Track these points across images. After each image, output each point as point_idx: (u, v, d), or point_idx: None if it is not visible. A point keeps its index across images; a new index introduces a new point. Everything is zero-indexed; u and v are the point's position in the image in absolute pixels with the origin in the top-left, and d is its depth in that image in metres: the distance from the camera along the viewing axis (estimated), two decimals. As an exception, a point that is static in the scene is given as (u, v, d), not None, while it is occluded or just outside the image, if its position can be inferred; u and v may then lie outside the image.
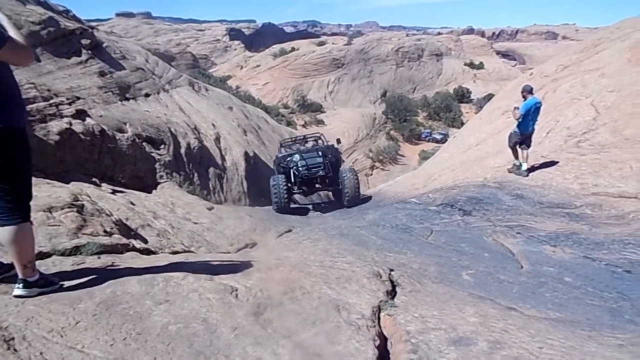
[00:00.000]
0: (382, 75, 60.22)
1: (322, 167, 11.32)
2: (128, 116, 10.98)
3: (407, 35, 75.90)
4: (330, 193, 13.53)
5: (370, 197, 12.36)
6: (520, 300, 4.18)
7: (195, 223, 7.29)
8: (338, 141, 13.55)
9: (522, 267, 5.14)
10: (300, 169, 11.25)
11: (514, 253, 5.53)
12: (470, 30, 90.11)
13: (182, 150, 11.91)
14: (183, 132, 12.53)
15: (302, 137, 15.05)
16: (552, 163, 9.09)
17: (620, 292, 4.54)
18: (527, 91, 8.93)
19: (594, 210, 7.12)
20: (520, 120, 8.83)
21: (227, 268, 3.59)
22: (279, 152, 13.66)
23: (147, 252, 4.50)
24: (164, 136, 11.41)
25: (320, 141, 14.51)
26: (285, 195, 10.57)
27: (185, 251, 5.41)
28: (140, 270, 3.10)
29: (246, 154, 15.13)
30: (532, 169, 8.95)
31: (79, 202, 4.68)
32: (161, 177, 10.24)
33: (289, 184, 11.16)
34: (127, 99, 12.32)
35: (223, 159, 14.05)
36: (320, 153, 11.70)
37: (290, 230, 7.97)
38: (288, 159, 11.85)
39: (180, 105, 14.83)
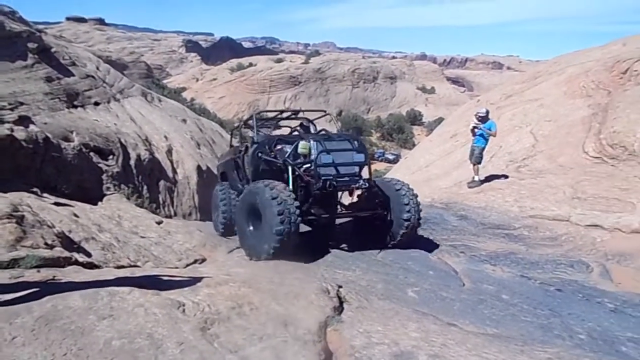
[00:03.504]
0: (338, 94, 61.36)
1: (357, 174, 6.25)
2: (75, 124, 10.59)
3: (364, 57, 77.97)
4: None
5: None
6: (460, 316, 4.39)
7: (143, 237, 7.10)
8: (358, 131, 8.76)
9: (464, 284, 5.38)
10: (321, 170, 5.92)
11: (457, 271, 5.78)
12: (423, 56, 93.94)
13: (132, 162, 11.58)
14: (133, 143, 12.21)
15: (294, 111, 8.42)
16: (494, 186, 9.62)
17: (552, 309, 4.85)
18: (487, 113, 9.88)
19: (530, 231, 7.58)
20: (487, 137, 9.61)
21: (175, 283, 3.55)
22: (250, 135, 7.84)
23: (91, 266, 4.36)
24: (112, 146, 11.07)
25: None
26: (297, 220, 5.44)
27: (131, 266, 5.27)
28: (83, 284, 3.02)
29: (199, 167, 14.91)
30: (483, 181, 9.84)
31: (19, 213, 4.48)
32: (108, 188, 9.90)
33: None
34: (75, 107, 11.89)
35: (174, 171, 13.77)
36: (356, 144, 6.40)
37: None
38: (282, 147, 6.46)
39: (131, 116, 14.46)
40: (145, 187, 11.59)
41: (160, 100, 18.87)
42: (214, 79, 62.35)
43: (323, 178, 5.89)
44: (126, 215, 8.16)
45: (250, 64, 66.32)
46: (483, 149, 9.65)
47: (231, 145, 8.87)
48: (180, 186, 13.60)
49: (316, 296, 3.68)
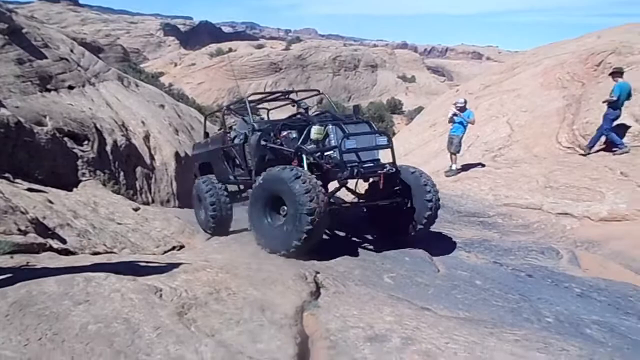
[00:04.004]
0: (319, 82, 61.06)
1: (378, 159, 5.82)
2: (48, 109, 10.32)
3: (345, 45, 77.64)
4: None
5: None
6: (434, 301, 4.51)
7: (120, 224, 7.03)
8: (356, 110, 6.82)
9: (438, 271, 5.51)
10: (346, 157, 5.41)
11: (432, 258, 5.91)
12: (404, 45, 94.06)
13: (108, 148, 11.37)
14: (109, 129, 11.97)
15: (286, 92, 7.80)
16: (471, 175, 9.81)
17: (522, 294, 5.03)
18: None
19: (504, 219, 7.79)
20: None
21: (152, 269, 3.55)
22: (238, 117, 7.35)
23: (66, 252, 4.32)
24: (88, 132, 10.84)
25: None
26: (326, 199, 5.06)
27: (107, 252, 5.23)
28: (59, 270, 3.00)
29: (177, 154, 14.72)
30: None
31: (-10, 198, 4.38)
32: (83, 174, 9.72)
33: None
34: (48, 91, 11.56)
35: (152, 158, 13.57)
36: (374, 128, 6.05)
37: (219, 233, 7.91)
38: (288, 134, 5.94)
39: (107, 100, 14.14)
40: (121, 174, 11.41)
41: (137, 85, 18.48)
42: (193, 64, 61.24)
43: (349, 165, 5.37)
44: (102, 202, 8.05)
45: (230, 49, 65.31)
46: (461, 137, 9.81)
47: (206, 133, 8.41)
48: (158, 173, 13.42)
49: (293, 282, 3.73)
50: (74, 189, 8.70)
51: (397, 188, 5.86)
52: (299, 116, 6.86)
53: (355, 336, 2.84)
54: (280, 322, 2.78)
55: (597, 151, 9.10)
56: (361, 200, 6.37)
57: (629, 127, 9.10)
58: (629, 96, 8.78)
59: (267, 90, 53.92)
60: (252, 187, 5.86)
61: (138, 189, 12.00)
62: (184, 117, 19.68)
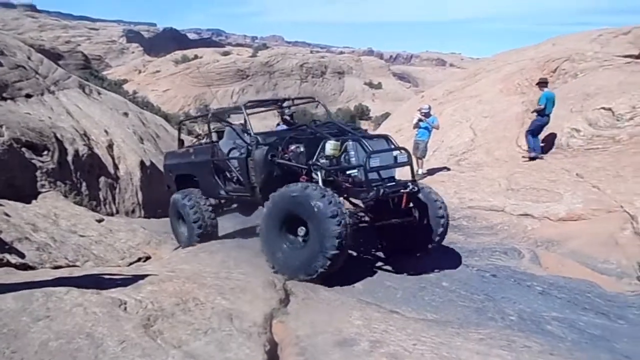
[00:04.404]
0: (287, 89, 61.13)
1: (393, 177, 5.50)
2: (5, 118, 9.91)
3: (312, 51, 78.09)
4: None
5: None
6: (403, 303, 4.59)
7: (82, 236, 6.81)
8: (353, 120, 6.76)
9: (407, 274, 5.60)
10: (371, 177, 5.12)
11: (401, 261, 6.00)
12: (370, 52, 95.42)
13: (69, 158, 11.00)
14: (70, 138, 11.59)
15: (282, 100, 7.52)
16: (436, 179, 10.02)
17: (487, 294, 5.17)
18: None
19: (469, 222, 7.99)
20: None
21: (116, 282, 3.47)
22: (236, 130, 6.56)
23: (25, 267, 4.16)
24: (47, 142, 10.46)
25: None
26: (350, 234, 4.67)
27: (69, 266, 5.07)
28: (17, 285, 2.89)
29: (142, 163, 14.38)
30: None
31: (-59, 213, 4.18)
32: (43, 186, 9.36)
33: None
34: (4, 99, 11.11)
35: (116, 167, 13.21)
36: (394, 143, 5.68)
37: (187, 243, 7.78)
38: (296, 148, 5.51)
39: (67, 109, 13.70)
40: (84, 184, 11.05)
41: (99, 93, 17.99)
42: (158, 71, 60.13)
43: (374, 185, 5.00)
44: (63, 214, 7.78)
45: (196, 56, 64.52)
46: (427, 142, 10.03)
47: (180, 140, 8.05)
48: (123, 182, 13.07)
49: (262, 290, 3.72)
50: (33, 201, 8.37)
51: (412, 205, 5.50)
52: (304, 128, 6.28)
53: (324, 341, 2.86)
54: (249, 331, 2.77)
55: (546, 152, 9.63)
56: (377, 219, 5.64)
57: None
58: (553, 104, 9.52)
59: (234, 97, 53.48)
60: (240, 202, 5.91)
61: (102, 199, 11.66)
62: (149, 125, 19.29)
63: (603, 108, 9.49)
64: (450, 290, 5.14)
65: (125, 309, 2.79)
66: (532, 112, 9.75)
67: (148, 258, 6.58)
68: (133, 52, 79.89)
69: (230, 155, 6.24)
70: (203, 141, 7.65)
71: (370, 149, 5.16)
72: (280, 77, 62.25)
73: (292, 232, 4.94)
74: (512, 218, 7.71)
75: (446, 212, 5.67)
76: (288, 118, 7.15)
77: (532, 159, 9.48)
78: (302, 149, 5.44)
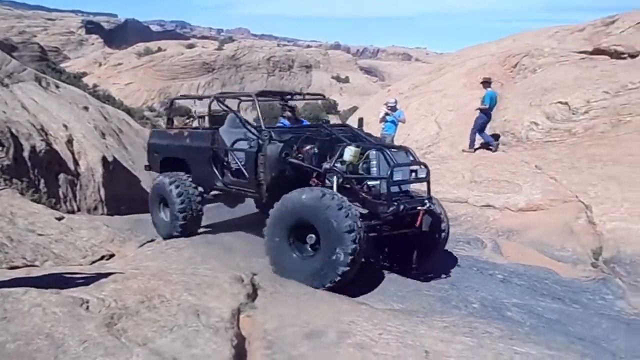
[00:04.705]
0: (254, 82, 60.52)
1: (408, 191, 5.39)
2: (-46, 112, 9.41)
3: (279, 45, 77.49)
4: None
5: None
6: (370, 295, 4.67)
7: (41, 235, 6.55)
8: (360, 123, 6.64)
9: (375, 266, 5.69)
10: (392, 190, 4.94)
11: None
12: (337, 46, 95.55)
13: (26, 154, 10.56)
14: (27, 133, 11.12)
15: (292, 94, 7.47)
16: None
17: (451, 283, 5.34)
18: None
19: (434, 213, 8.17)
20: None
21: (78, 281, 3.38)
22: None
23: (-22, 268, 3.98)
24: (2, 137, 10.00)
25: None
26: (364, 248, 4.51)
27: (27, 266, 4.87)
28: (-30, 287, 2.77)
29: (104, 158, 13.95)
30: None
31: None
32: (-2, 183, 8.96)
33: None
34: (-47, 93, 10.54)
35: (76, 163, 12.77)
36: (413, 157, 5.45)
37: (153, 240, 7.61)
38: (311, 149, 5.28)
39: (23, 103, 13.12)
40: (42, 181, 10.64)
41: (57, 86, 17.32)
42: (119, 64, 58.32)
43: (394, 200, 4.80)
44: (20, 212, 7.46)
45: (160, 49, 62.91)
46: (393, 136, 10.17)
47: (169, 119, 7.59)
48: (84, 179, 12.66)
49: (230, 285, 3.70)
50: (-13, 200, 8.00)
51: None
52: (320, 129, 5.99)
53: (293, 334, 2.88)
54: (216, 326, 2.76)
55: (478, 149, 10.25)
56: (386, 229, 5.22)
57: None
58: (496, 102, 10.27)
59: (200, 90, 52.58)
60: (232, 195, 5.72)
61: (61, 196, 11.25)
62: (112, 119, 18.75)
63: (560, 102, 9.87)
64: (416, 280, 5.26)
65: (87, 308, 2.72)
66: (476, 109, 10.27)
67: (112, 256, 6.40)
68: (93, 44, 77.17)
69: (236, 147, 5.92)
70: (195, 125, 7.14)
71: (395, 161, 4.97)
72: (247, 70, 61.60)
73: (300, 239, 4.64)
74: (475, 209, 7.94)
75: (447, 224, 5.57)
76: (290, 114, 6.83)
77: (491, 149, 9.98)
78: (315, 150, 5.21)
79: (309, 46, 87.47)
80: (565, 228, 6.74)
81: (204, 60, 58.28)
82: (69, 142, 13.12)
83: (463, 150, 10.37)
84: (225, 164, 6.11)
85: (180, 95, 9.03)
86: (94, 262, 5.95)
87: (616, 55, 11.00)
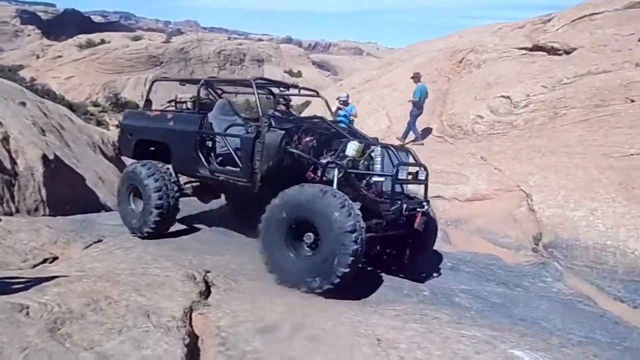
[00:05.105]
0: (204, 76, 59.26)
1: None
2: None
3: (229, 38, 76.06)
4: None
5: None
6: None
7: (-25, 239, 6.15)
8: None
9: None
10: (396, 189, 4.96)
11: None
12: (289, 40, 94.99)
13: (-45, 153, 9.84)
14: (-44, 131, 10.36)
15: (288, 86, 7.26)
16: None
17: (403, 272, 5.48)
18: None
19: (386, 205, 8.36)
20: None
21: (17, 286, 3.20)
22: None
23: None
24: None
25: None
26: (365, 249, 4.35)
27: (-40, 272, 4.55)
28: None
29: (45, 157, 13.21)
30: None
31: None
32: None
33: None
34: None
35: (14, 162, 12.01)
36: (415, 159, 5.37)
37: (100, 240, 7.31)
38: (311, 140, 5.10)
39: (-49, 98, 12.20)
40: (-25, 182, 9.96)
41: (-10, 80, 16.20)
42: (59, 57, 55.26)
43: (397, 199, 4.71)
44: (-49, 215, 6.96)
45: (103, 41, 60.17)
46: None
47: (148, 101, 7.03)
48: (22, 179, 11.93)
49: (182, 283, 3.63)
50: None
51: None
52: (318, 121, 5.77)
53: (246, 330, 2.87)
54: (167, 325, 2.70)
55: (411, 142, 10.52)
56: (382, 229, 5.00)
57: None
58: (427, 95, 10.80)
59: (147, 85, 50.85)
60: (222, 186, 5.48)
61: (-3, 198, 10.58)
62: (52, 115, 17.76)
63: (502, 96, 10.33)
64: (369, 271, 5.37)
65: (28, 313, 2.59)
66: (409, 101, 10.86)
67: (55, 259, 6.09)
68: (29, 35, 72.60)
69: (230, 132, 5.68)
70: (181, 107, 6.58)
71: (400, 160, 4.91)
72: (196, 64, 60.09)
73: (297, 237, 4.43)
74: (425, 200, 8.18)
75: (436, 225, 5.59)
76: (284, 108, 6.45)
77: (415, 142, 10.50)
78: (314, 143, 5.04)
79: (260, 40, 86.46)
80: (509, 216, 7.09)
81: (151, 54, 56.31)
82: (5, 139, 12.33)
83: (412, 142, 10.61)
84: (212, 150, 5.78)
85: (162, 77, 8.42)
86: (35, 265, 5.65)
87: (553, 51, 11.62)
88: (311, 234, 4.34)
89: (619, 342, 4.14)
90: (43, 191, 12.28)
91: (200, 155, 5.68)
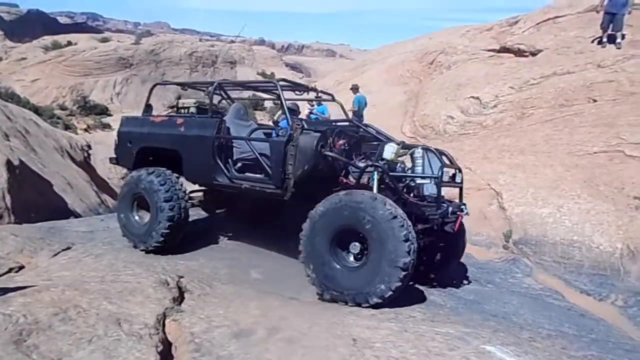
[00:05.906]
0: (176, 79, 57.98)
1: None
2: None
3: (201, 40, 75.15)
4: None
5: None
6: (302, 290, 4.70)
7: None
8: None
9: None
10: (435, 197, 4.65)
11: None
12: (262, 42, 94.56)
13: None
14: None
15: (308, 89, 6.41)
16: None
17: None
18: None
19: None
20: None
21: (-20, 297, 3.08)
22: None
23: None
24: None
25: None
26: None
27: None
28: None
29: (9, 162, 12.77)
30: None
31: None
32: None
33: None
34: None
35: (-24, 169, 11.58)
36: (451, 161, 5.15)
37: (69, 248, 7.09)
38: (344, 143, 4.91)
39: None
40: None
41: (-52, 83, 15.55)
42: (23, 59, 53.40)
43: (442, 203, 4.50)
44: None
45: (70, 43, 58.52)
46: None
47: (148, 105, 6.46)
48: (-15, 185, 11.51)
49: (154, 289, 3.57)
50: None
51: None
52: (349, 124, 5.64)
53: (221, 335, 2.85)
54: (139, 333, 2.65)
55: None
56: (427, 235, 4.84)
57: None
58: (365, 105, 10.71)
59: (117, 87, 49.80)
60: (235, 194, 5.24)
61: (-42, 206, 10.17)
62: (16, 119, 17.19)
63: (472, 97, 10.56)
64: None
65: (-9, 326, 2.50)
66: (349, 110, 10.98)
67: (21, 268, 5.88)
68: (-9, 37, 70.04)
69: (255, 136, 5.39)
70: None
71: (442, 162, 4.68)
72: (167, 66, 59.07)
73: (342, 247, 4.21)
74: (399, 200, 8.28)
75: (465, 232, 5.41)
76: (296, 108, 6.27)
77: None
78: (346, 147, 4.86)
79: (232, 42, 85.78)
80: (480, 214, 7.24)
81: (120, 55, 55.00)
82: (-34, 145, 11.86)
83: None
84: (230, 156, 5.41)
85: (164, 81, 8.04)
86: (0, 275, 5.46)
87: (519, 53, 11.95)
88: (357, 243, 4.12)
89: (585, 334, 4.28)
90: (7, 198, 11.86)
91: (219, 162, 5.30)
